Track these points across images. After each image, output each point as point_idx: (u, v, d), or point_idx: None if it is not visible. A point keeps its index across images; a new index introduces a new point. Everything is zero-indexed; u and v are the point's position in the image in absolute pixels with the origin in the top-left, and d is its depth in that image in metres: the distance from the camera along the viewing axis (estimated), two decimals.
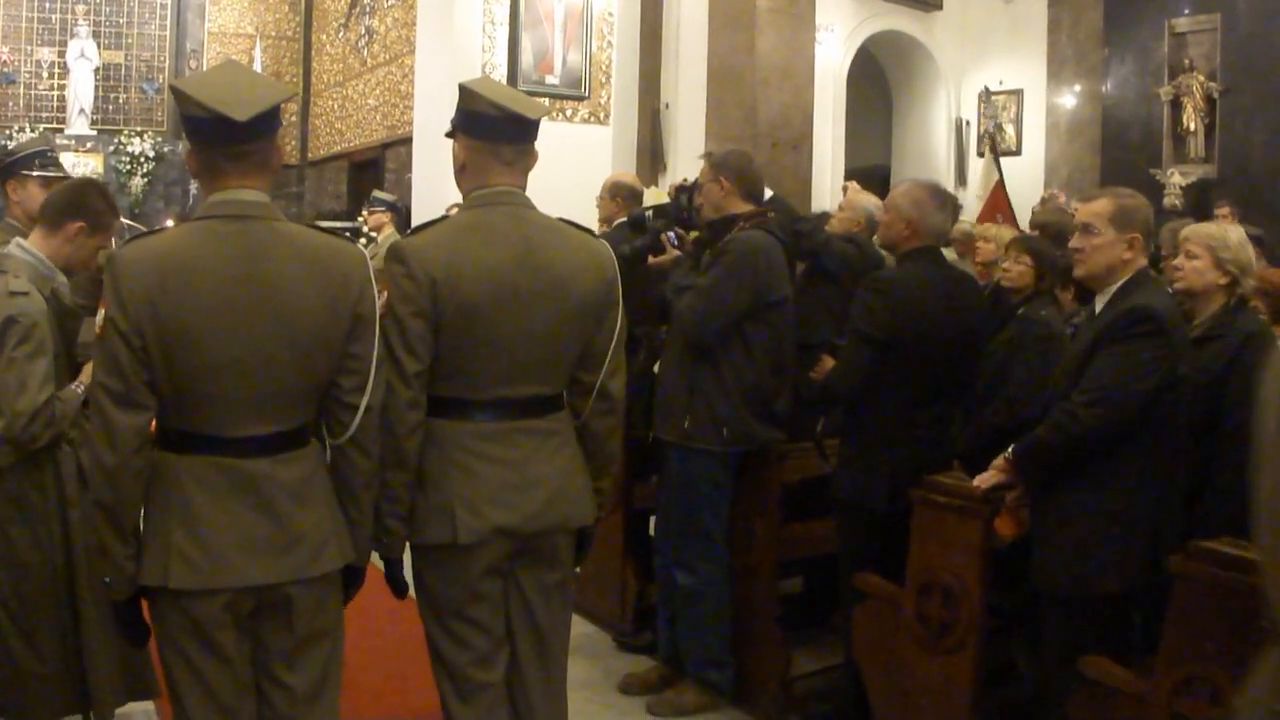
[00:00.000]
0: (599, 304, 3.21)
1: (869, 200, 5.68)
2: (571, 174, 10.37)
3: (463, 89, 3.14)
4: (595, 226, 9.41)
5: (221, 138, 2.67)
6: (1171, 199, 11.79)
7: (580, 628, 5.65)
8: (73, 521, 3.77)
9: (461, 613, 3.14)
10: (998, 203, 11.50)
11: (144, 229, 3.27)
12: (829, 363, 4.36)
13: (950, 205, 4.30)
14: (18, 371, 3.51)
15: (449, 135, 3.22)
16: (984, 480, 3.73)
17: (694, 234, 4.90)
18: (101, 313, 2.63)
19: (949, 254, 5.41)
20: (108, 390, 2.61)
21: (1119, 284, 3.56)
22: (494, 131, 3.12)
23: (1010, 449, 3.69)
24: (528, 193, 3.24)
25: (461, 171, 3.22)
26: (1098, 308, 3.64)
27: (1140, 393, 3.41)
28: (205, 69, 17.63)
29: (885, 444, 4.18)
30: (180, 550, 2.67)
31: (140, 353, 2.60)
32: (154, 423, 2.70)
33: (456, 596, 3.14)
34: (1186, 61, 12.07)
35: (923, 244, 4.24)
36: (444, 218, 3.29)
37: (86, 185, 4.05)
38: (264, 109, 2.68)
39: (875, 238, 5.15)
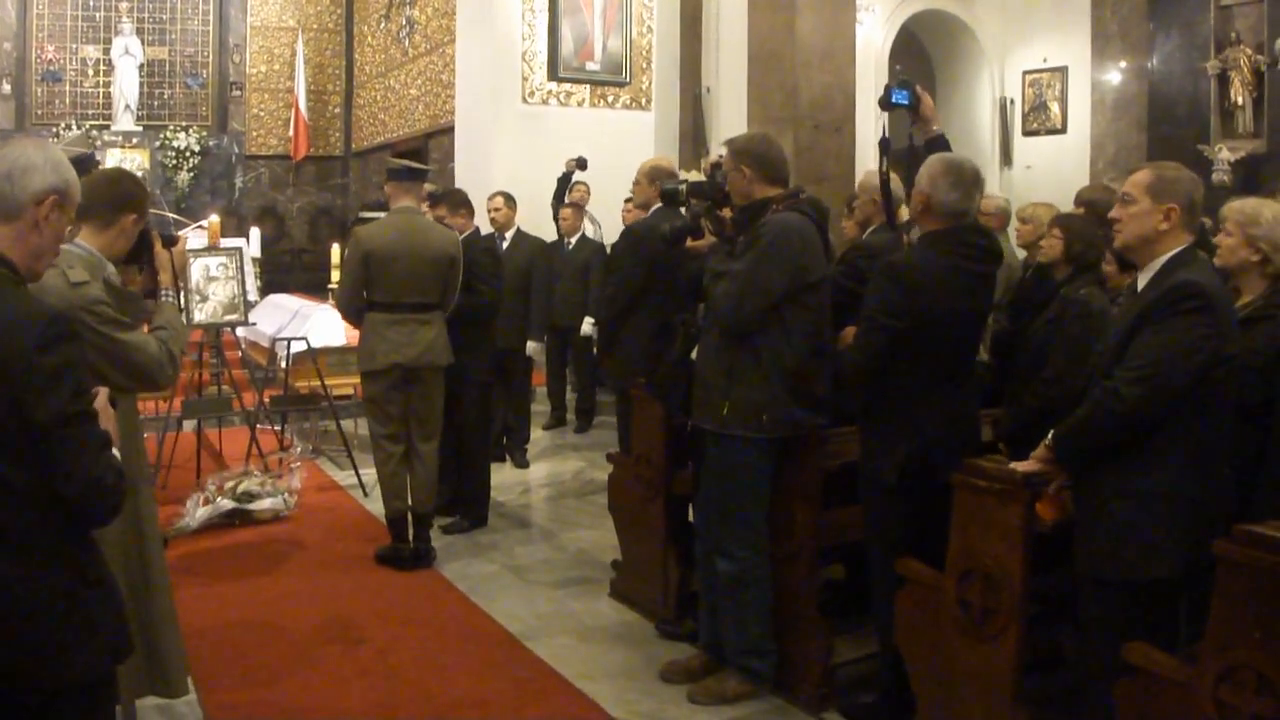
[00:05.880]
0: (447, 260, 6.48)
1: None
2: (614, 159, 10.38)
3: (387, 162, 7.30)
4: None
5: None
6: (1220, 175, 11.59)
7: (622, 615, 5.67)
8: (142, 498, 3.83)
9: (381, 406, 6.47)
10: None
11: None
12: (850, 334, 4.34)
13: (971, 184, 4.19)
14: (127, 342, 3.59)
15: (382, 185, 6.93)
16: (1024, 468, 3.67)
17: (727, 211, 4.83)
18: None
19: None
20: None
21: (1162, 260, 3.48)
22: (400, 178, 6.57)
23: (1050, 434, 3.62)
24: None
25: (389, 198, 6.60)
26: (1140, 284, 3.57)
27: (1186, 370, 3.32)
28: (247, 61, 17.85)
29: (898, 421, 4.16)
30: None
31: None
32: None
33: (378, 396, 6.45)
34: (1233, 35, 11.85)
35: (940, 225, 4.17)
36: (381, 218, 6.73)
37: (123, 177, 4.09)
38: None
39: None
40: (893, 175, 4.92)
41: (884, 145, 4.94)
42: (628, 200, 9.68)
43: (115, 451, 2.58)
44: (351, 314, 6.56)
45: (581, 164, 10.28)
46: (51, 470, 2.39)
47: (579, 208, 10.20)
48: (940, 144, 4.58)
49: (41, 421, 2.36)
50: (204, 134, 17.90)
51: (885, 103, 4.73)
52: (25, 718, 2.45)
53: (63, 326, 2.42)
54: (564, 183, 10.42)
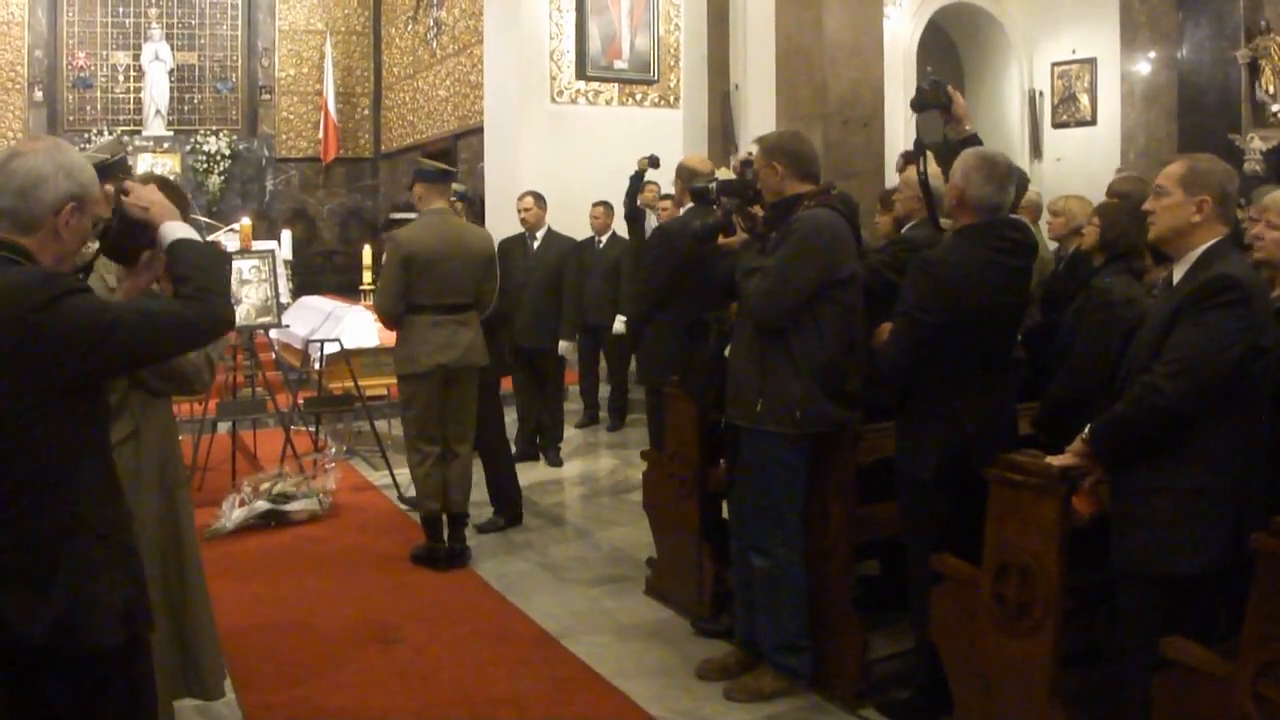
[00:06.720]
0: (486, 260, 6.54)
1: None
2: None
3: (416, 163, 6.80)
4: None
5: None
6: (1252, 165, 11.50)
7: (657, 612, 5.67)
8: (179, 499, 3.86)
9: (418, 407, 6.43)
10: None
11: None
12: (887, 330, 4.34)
13: (1005, 178, 4.18)
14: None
15: (410, 186, 6.69)
16: (1061, 462, 3.66)
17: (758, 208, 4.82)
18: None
19: None
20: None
21: (1197, 253, 3.46)
22: (432, 179, 6.50)
23: (1087, 428, 3.60)
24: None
25: (419, 199, 6.51)
26: (1175, 277, 3.55)
27: (1223, 363, 3.30)
28: (276, 65, 17.92)
29: (935, 416, 4.17)
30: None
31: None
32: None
33: (416, 397, 6.41)
34: (1263, 23, 11.75)
35: (974, 219, 4.17)
36: (413, 219, 6.71)
37: (162, 184, 4.12)
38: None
39: None
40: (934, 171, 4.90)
41: (919, 145, 4.94)
42: (664, 198, 9.65)
43: (178, 230, 2.71)
44: (393, 318, 6.45)
45: (654, 162, 10.02)
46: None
47: (607, 206, 10.14)
48: (973, 144, 4.58)
49: (82, 369, 2.44)
50: (234, 138, 18.01)
51: (917, 104, 4.73)
52: (48, 684, 2.48)
53: (62, 282, 2.43)
54: (636, 182, 10.21)
